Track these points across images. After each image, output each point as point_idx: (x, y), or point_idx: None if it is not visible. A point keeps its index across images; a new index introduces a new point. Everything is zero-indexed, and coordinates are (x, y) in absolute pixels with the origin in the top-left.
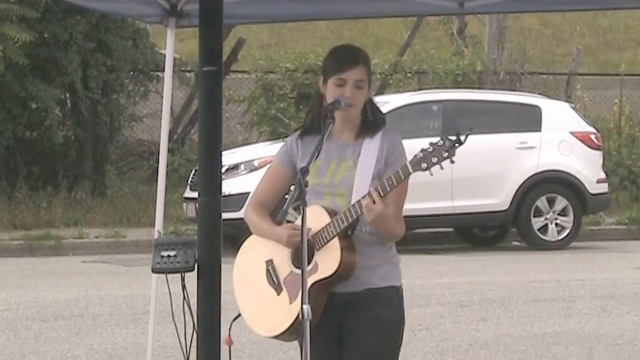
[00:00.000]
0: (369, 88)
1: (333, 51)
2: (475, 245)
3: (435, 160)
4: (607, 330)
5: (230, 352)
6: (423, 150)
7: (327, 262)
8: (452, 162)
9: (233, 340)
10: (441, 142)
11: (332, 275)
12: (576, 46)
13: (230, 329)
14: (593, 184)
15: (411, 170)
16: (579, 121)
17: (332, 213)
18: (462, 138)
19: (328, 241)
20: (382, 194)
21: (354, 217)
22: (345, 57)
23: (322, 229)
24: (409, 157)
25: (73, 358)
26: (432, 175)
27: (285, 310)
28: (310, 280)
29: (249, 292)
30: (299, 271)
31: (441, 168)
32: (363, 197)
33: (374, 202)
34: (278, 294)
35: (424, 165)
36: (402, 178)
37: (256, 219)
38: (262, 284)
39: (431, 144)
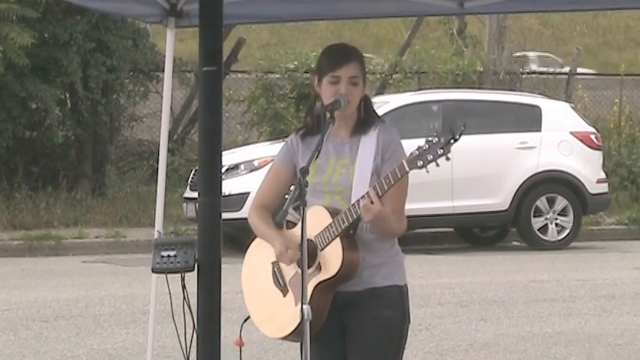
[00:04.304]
0: (363, 84)
1: (326, 50)
2: (475, 245)
3: (430, 157)
4: (607, 330)
5: (241, 352)
6: (419, 147)
7: (330, 262)
8: (447, 159)
9: (240, 340)
10: (436, 139)
11: (335, 275)
12: (576, 46)
13: (241, 331)
14: (593, 184)
15: (407, 168)
16: (579, 121)
17: (333, 213)
18: (457, 134)
19: (330, 242)
20: (380, 193)
21: (354, 216)
22: (338, 54)
23: (324, 229)
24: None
25: (73, 358)
26: (428, 172)
27: (291, 311)
28: (314, 281)
29: (256, 294)
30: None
31: (437, 165)
32: (362, 197)
33: (372, 202)
34: (284, 295)
35: (420, 162)
36: (399, 176)
37: (259, 224)
38: (269, 285)
39: (426, 141)
